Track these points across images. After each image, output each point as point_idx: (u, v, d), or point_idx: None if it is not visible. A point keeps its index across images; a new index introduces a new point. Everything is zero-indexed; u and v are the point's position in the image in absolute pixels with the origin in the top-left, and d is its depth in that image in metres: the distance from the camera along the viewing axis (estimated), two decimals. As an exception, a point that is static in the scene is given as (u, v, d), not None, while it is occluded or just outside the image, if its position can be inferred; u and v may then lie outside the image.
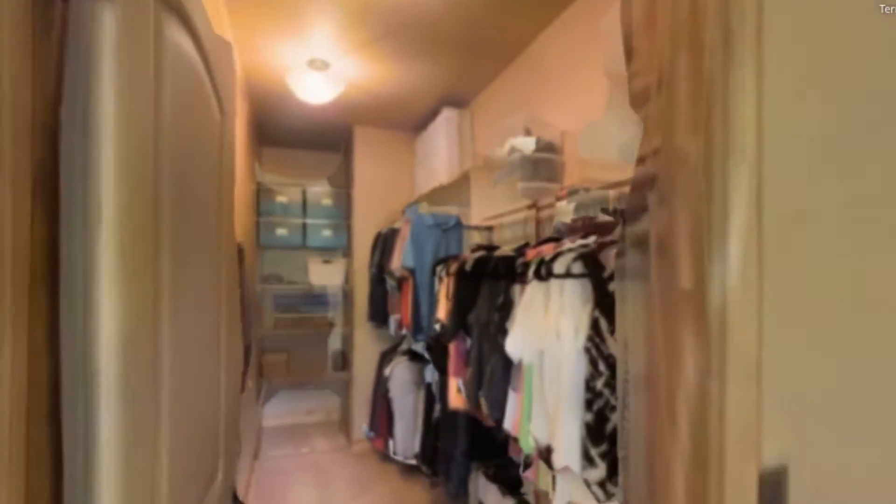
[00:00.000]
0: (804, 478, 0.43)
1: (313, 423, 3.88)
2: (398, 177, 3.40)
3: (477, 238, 2.16)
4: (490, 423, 1.46)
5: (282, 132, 3.48)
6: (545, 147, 1.85)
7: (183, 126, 0.63)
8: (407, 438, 2.73)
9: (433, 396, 2.34)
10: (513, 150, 1.82)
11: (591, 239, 1.13)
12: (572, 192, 1.48)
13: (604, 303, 1.07)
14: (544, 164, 1.83)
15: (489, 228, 1.99)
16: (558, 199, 1.46)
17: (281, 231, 3.43)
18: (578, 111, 1.77)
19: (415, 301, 2.42)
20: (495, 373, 1.38)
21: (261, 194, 3.40)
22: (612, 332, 1.07)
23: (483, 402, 1.43)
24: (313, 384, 3.87)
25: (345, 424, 3.74)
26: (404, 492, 2.65)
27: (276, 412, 3.84)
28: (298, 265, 3.75)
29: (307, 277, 3.61)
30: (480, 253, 1.77)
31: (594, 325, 1.06)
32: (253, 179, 3.20)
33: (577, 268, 1.10)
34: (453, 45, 2.15)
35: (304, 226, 3.51)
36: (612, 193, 1.30)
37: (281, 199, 3.45)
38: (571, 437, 1.06)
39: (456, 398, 1.74)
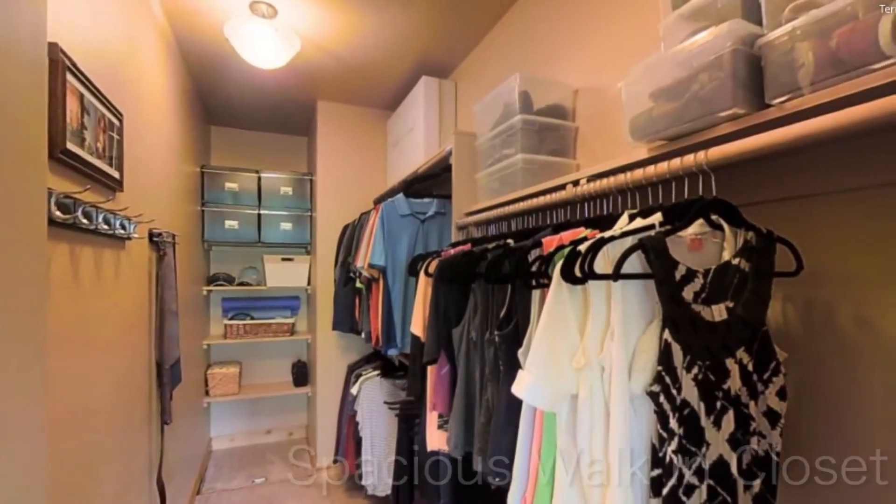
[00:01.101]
0: None
1: (273, 443, 3.39)
2: (370, 163, 2.95)
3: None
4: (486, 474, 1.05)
5: (234, 109, 2.98)
6: (551, 111, 1.44)
7: None
8: (379, 470, 2.30)
9: (411, 422, 1.91)
10: (509, 111, 1.41)
11: (655, 219, 0.72)
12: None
13: (678, 320, 0.66)
14: (551, 133, 1.43)
15: (477, 225, 1.58)
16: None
17: (231, 223, 2.93)
18: (599, 63, 1.37)
19: (386, 307, 1.98)
20: (494, 416, 0.96)
21: (206, 179, 2.89)
22: (691, 366, 0.67)
23: (476, 456, 1.01)
24: (272, 400, 3.37)
25: (309, 446, 3.27)
26: (374, 535, 2.21)
27: (230, 433, 3.33)
28: (252, 263, 3.24)
29: (263, 278, 3.12)
30: (468, 246, 1.35)
31: (664, 357, 0.66)
32: (195, 161, 2.70)
33: (636, 264, 0.69)
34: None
35: (259, 218, 3.01)
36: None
37: (231, 185, 2.95)
38: (628, 539, 0.65)
39: (436, 437, 1.32)
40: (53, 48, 0.88)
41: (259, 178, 3.04)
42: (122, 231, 1.25)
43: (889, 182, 0.69)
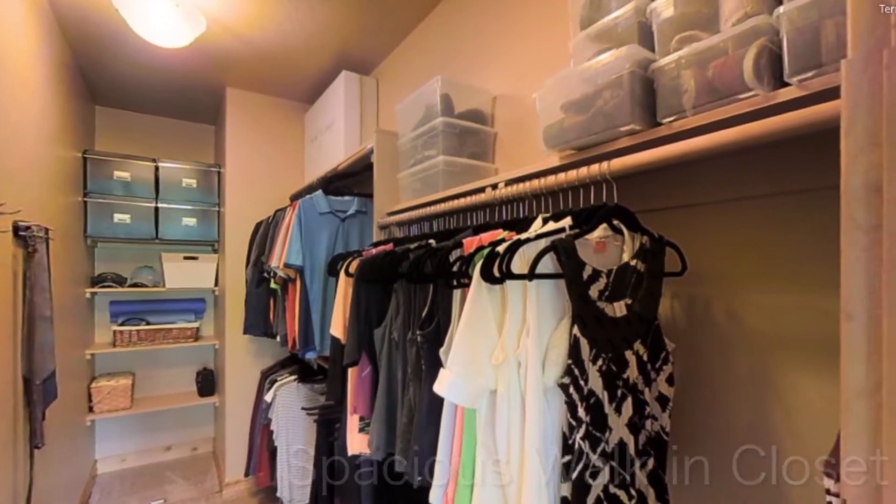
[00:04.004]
0: None
1: (173, 461, 3.08)
2: (285, 157, 2.80)
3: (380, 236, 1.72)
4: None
5: (125, 89, 2.65)
6: (471, 115, 1.48)
7: None
8: (295, 483, 2.19)
9: (331, 427, 1.85)
10: (431, 113, 1.43)
11: (565, 223, 0.78)
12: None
13: (585, 316, 0.72)
14: (471, 137, 1.47)
15: (399, 225, 1.57)
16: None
17: (121, 217, 2.60)
18: (516, 72, 1.43)
19: (304, 309, 1.89)
20: (416, 416, 0.97)
21: (89, 166, 2.54)
22: (596, 358, 0.73)
23: (398, 456, 1.01)
24: (172, 413, 3.06)
25: (216, 461, 3.03)
26: (290, 547, 2.11)
27: (120, 453, 2.96)
28: (148, 262, 2.92)
29: (161, 278, 2.82)
30: (390, 246, 1.34)
31: (573, 351, 0.71)
32: (75, 145, 2.36)
33: (549, 264, 0.73)
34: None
35: (157, 211, 2.71)
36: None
37: (121, 174, 2.62)
38: (541, 523, 0.69)
39: (358, 441, 1.30)
40: None
41: (157, 168, 2.74)
42: (-23, 225, 1.06)
43: (752, 196, 0.81)
